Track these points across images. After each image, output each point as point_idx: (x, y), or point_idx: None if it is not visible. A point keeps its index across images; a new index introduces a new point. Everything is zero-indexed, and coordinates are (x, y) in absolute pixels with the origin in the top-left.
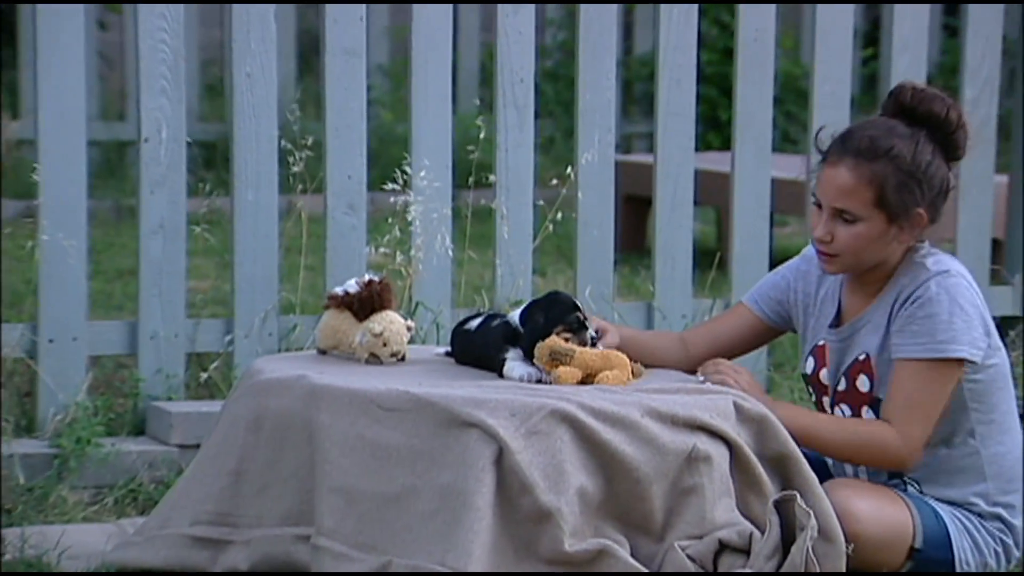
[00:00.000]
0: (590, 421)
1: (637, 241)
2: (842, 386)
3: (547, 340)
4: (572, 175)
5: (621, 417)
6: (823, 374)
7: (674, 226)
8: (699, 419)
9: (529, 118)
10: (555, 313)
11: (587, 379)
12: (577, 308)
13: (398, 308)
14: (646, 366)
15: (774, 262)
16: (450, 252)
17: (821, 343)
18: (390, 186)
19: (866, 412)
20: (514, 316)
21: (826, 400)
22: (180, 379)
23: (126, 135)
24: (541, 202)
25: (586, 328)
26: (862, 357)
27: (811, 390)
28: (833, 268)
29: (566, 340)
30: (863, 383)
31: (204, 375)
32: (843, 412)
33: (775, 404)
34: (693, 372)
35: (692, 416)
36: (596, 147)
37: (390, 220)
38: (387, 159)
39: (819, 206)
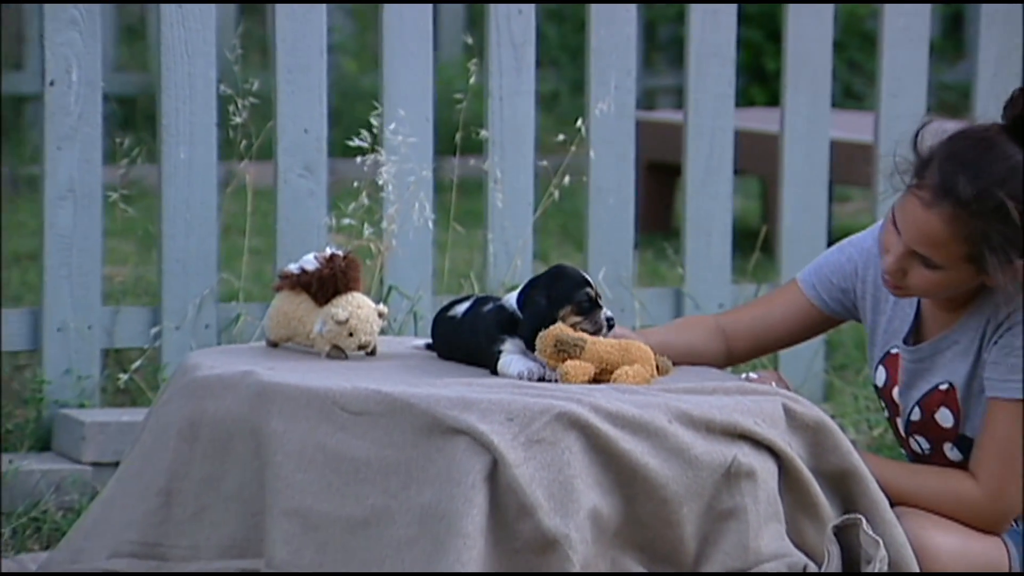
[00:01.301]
0: (605, 427)
1: (662, 220)
2: (916, 415)
3: (551, 328)
4: (582, 129)
5: (644, 423)
6: (897, 392)
7: (708, 197)
8: (741, 425)
9: (529, 58)
10: (560, 291)
11: (601, 376)
12: (587, 283)
13: (367, 291)
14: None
15: (833, 243)
16: (430, 225)
17: (894, 351)
18: (356, 141)
19: (950, 449)
20: (510, 299)
21: (900, 423)
22: (95, 381)
23: (25, 87)
24: (544, 162)
25: (599, 307)
26: (944, 386)
27: (883, 404)
28: (901, 296)
29: (574, 326)
30: (945, 417)
31: (124, 376)
32: (920, 445)
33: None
34: (729, 366)
35: (732, 422)
36: (612, 95)
37: (356, 184)
38: (351, 119)
39: (896, 224)
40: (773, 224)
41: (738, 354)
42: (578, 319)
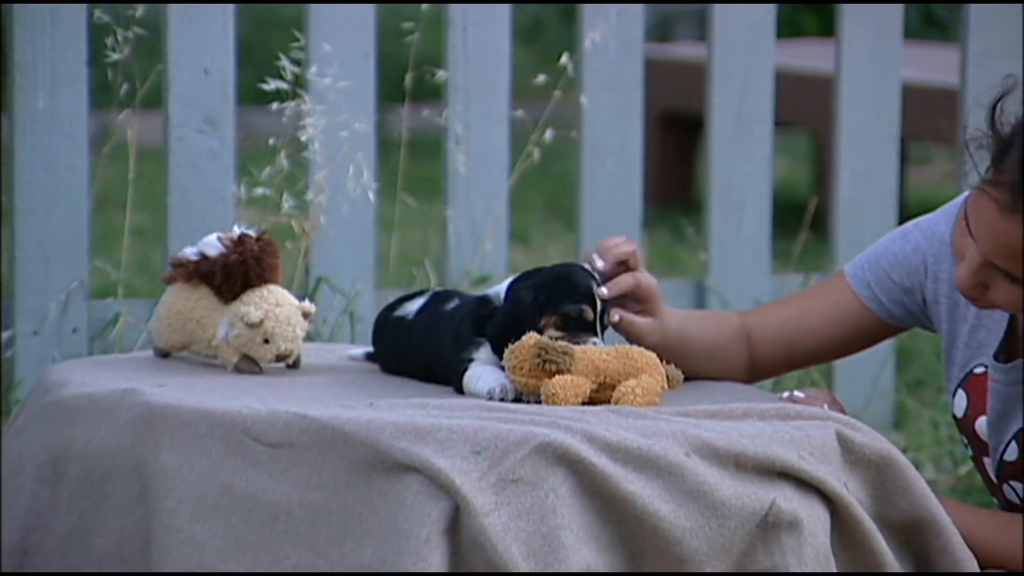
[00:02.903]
0: (603, 463)
1: (679, 190)
2: (1012, 454)
3: (527, 337)
4: (569, 68)
5: (654, 457)
6: (981, 424)
7: (740, 160)
8: (781, 460)
9: None
10: (553, 294)
11: (599, 394)
12: (590, 298)
13: (288, 284)
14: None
15: (907, 220)
16: (371, 196)
17: (980, 370)
18: (272, 85)
19: None
20: (498, 290)
21: (989, 464)
22: None
23: None
24: (519, 112)
25: (591, 331)
26: None
27: (965, 440)
28: (984, 308)
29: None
30: None
31: None
32: (1017, 492)
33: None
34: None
35: (770, 456)
36: (612, 22)
37: (272, 143)
38: (266, 56)
39: (969, 226)
40: (826, 195)
41: (763, 365)
42: (557, 335)
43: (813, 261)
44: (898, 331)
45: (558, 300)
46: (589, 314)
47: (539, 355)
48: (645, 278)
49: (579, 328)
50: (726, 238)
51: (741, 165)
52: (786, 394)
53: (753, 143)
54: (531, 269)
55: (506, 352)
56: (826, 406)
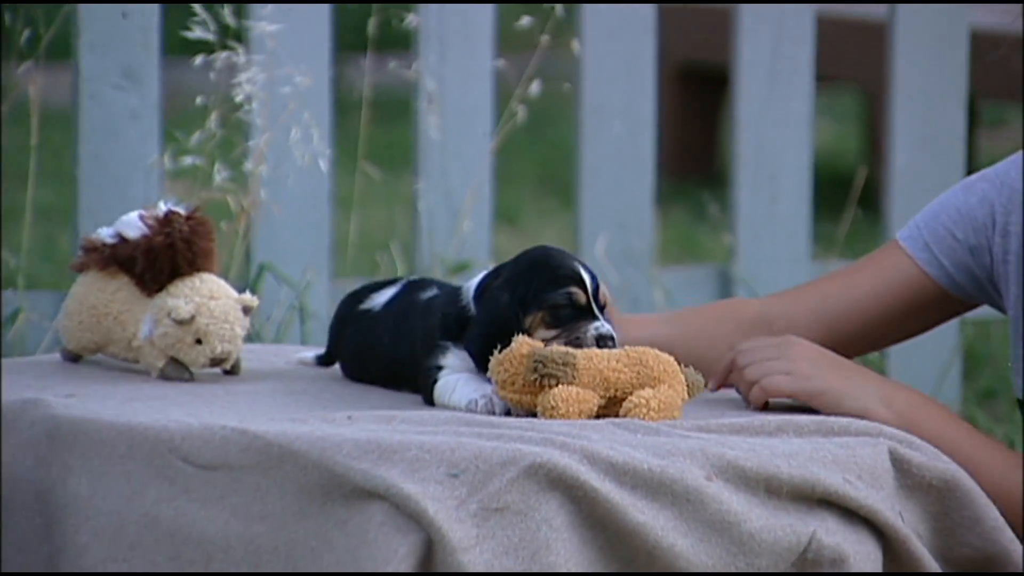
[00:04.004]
0: (607, 488)
1: (700, 159)
2: None
3: (518, 343)
4: (557, 8)
5: (668, 481)
6: None
7: (774, 121)
8: (823, 484)
9: None
10: (533, 285)
11: (608, 408)
12: (576, 278)
13: (224, 272)
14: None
15: None
16: (324, 167)
17: None
18: (200, 33)
19: None
20: (469, 285)
21: None
22: None
23: None
24: (500, 61)
25: (590, 316)
26: None
27: None
28: None
29: (545, 344)
30: None
31: None
32: None
33: (916, 404)
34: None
35: (809, 479)
36: None
37: (201, 101)
38: None
39: None
40: (879, 164)
41: None
42: (550, 333)
43: (862, 245)
44: (963, 309)
45: (539, 291)
46: (580, 296)
47: (535, 368)
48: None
49: (573, 316)
50: (757, 217)
51: (775, 129)
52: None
53: (789, 102)
54: (497, 266)
55: (492, 362)
56: (797, 354)
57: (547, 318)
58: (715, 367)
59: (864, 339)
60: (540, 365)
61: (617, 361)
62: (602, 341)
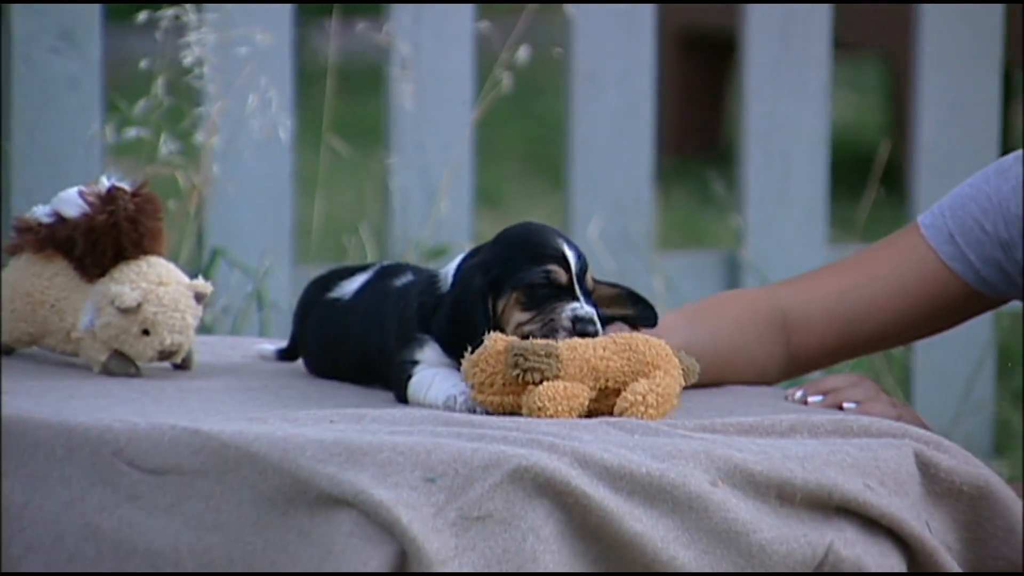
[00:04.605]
0: (600, 494)
1: (705, 133)
2: None
3: (492, 339)
4: None
5: (669, 485)
6: None
7: (787, 92)
8: (840, 491)
9: None
10: (511, 265)
11: (599, 403)
12: (557, 256)
13: (173, 255)
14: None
15: None
16: (284, 138)
17: None
18: None
19: None
20: (447, 270)
21: None
22: None
23: None
24: (483, 23)
25: (570, 296)
26: None
27: None
28: None
29: (518, 329)
30: None
31: None
32: None
33: None
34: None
35: (825, 484)
36: None
37: (146, 65)
38: None
39: None
40: (904, 139)
41: (808, 355)
42: (524, 316)
43: (885, 228)
44: (992, 305)
45: (514, 270)
46: (560, 274)
47: (515, 363)
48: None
49: (550, 297)
50: (768, 197)
51: (788, 99)
52: (798, 393)
53: (804, 70)
54: (477, 246)
55: (465, 364)
56: (900, 414)
57: (521, 298)
58: (741, 374)
59: (882, 339)
60: (520, 359)
61: (604, 349)
62: (579, 324)
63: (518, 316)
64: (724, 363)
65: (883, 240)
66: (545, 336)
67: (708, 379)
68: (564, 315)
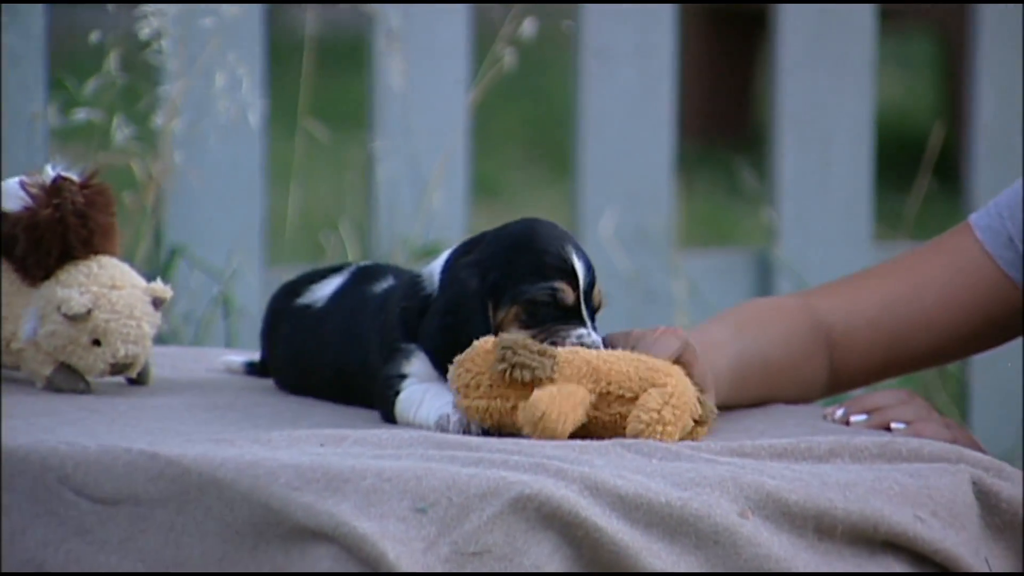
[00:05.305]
0: (613, 527)
1: (732, 117)
2: None
3: (480, 342)
4: None
5: (692, 516)
6: None
7: (826, 70)
8: (888, 523)
9: None
10: (512, 270)
11: (600, 411)
12: (565, 268)
13: (126, 255)
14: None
15: None
16: (253, 122)
17: None
18: None
19: None
20: (431, 269)
21: None
22: None
23: None
24: None
25: (576, 320)
26: None
27: None
28: None
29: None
30: None
31: None
32: None
33: None
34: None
35: (870, 516)
36: None
37: (96, 39)
38: None
39: None
40: (959, 123)
41: (851, 373)
42: (525, 333)
43: (937, 223)
44: None
45: (517, 280)
46: (567, 295)
47: (502, 357)
48: (689, 337)
49: (554, 318)
50: (804, 188)
51: (827, 78)
52: (839, 412)
53: (845, 44)
54: (474, 236)
55: (451, 370)
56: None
57: (522, 315)
58: (786, 393)
59: (933, 356)
60: (508, 352)
61: (609, 354)
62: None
63: (516, 330)
64: (771, 381)
65: (931, 242)
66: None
67: (752, 398)
68: (568, 341)
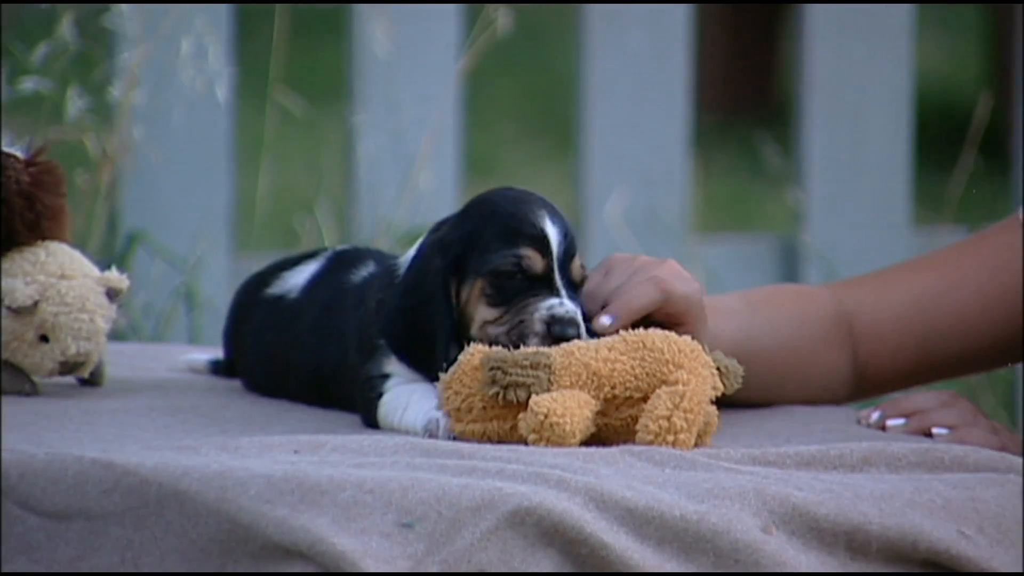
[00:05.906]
0: (622, 543)
1: (753, 87)
2: None
3: (467, 356)
4: None
5: (710, 531)
6: None
7: (858, 37)
8: (928, 539)
9: None
10: (478, 244)
11: (604, 418)
12: (536, 235)
13: (79, 240)
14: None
15: None
16: (220, 96)
17: None
18: None
19: None
20: (408, 255)
21: None
22: None
23: None
24: None
25: (547, 286)
26: None
27: None
28: None
29: (483, 328)
30: None
31: None
32: None
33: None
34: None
35: (908, 531)
36: None
37: (47, 7)
38: None
39: None
40: (1008, 95)
41: (879, 373)
42: (491, 313)
43: (984, 205)
44: None
45: (480, 251)
46: (534, 261)
47: (492, 379)
48: (676, 288)
49: (522, 290)
50: (835, 167)
51: (860, 45)
52: (874, 415)
53: (881, 8)
54: (443, 219)
55: (439, 387)
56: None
57: (487, 289)
58: (804, 379)
59: (970, 360)
60: (498, 373)
61: (610, 349)
62: (556, 326)
63: (483, 312)
64: (785, 363)
65: (973, 236)
66: (514, 343)
67: (762, 383)
68: (537, 315)
